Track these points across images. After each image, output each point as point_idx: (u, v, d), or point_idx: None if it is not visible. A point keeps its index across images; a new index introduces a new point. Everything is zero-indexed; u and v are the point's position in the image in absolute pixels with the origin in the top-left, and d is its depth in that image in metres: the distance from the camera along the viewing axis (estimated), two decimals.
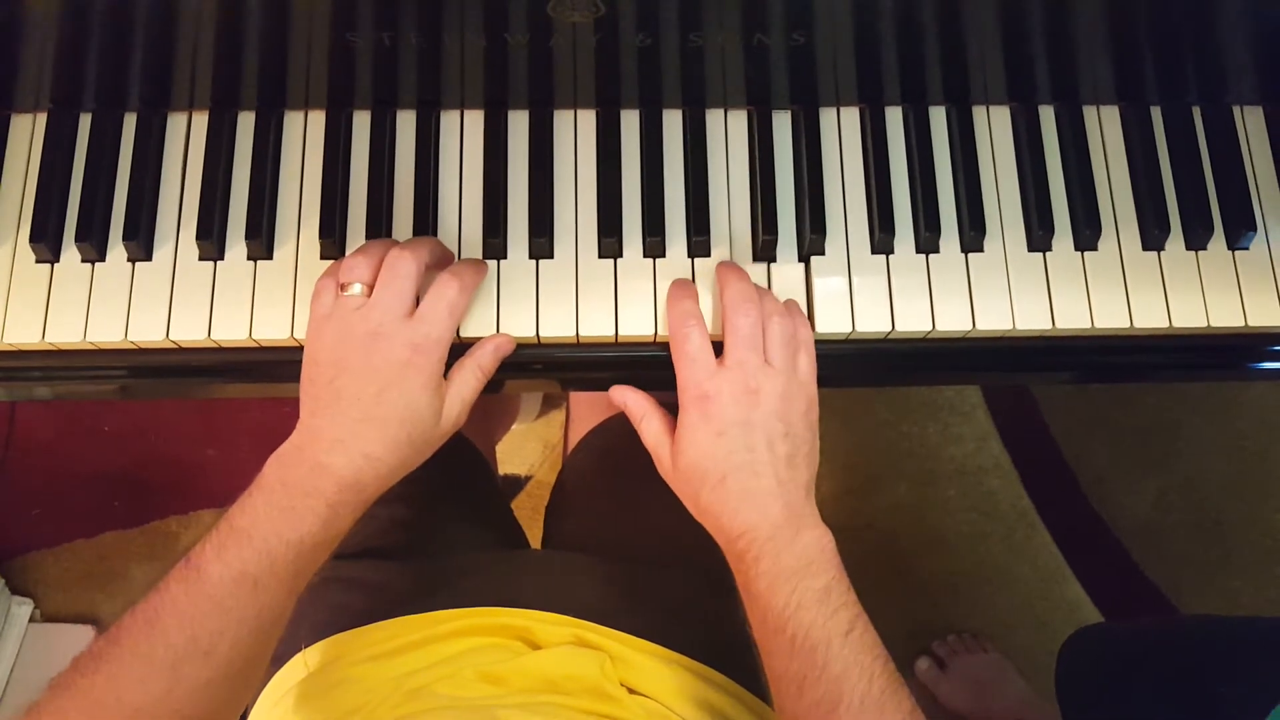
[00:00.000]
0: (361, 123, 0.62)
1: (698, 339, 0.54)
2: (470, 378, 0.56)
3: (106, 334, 0.58)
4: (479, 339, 0.58)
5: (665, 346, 0.57)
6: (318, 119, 0.62)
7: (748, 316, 0.54)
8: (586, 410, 0.86)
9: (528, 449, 1.37)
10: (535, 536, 0.89)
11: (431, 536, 0.75)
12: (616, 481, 0.80)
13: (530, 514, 1.33)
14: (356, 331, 0.52)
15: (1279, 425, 1.36)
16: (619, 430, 0.82)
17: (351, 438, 0.52)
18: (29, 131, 0.62)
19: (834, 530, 0.53)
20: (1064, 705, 0.85)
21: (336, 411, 0.52)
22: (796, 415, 0.54)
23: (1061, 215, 0.62)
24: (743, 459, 0.52)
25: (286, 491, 0.51)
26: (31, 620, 1.28)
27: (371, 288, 0.53)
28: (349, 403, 0.52)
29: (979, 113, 0.63)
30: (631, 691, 0.59)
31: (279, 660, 0.64)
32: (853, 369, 0.63)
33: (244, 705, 0.52)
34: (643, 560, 0.72)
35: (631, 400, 0.58)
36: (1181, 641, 0.82)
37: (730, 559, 0.53)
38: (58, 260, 0.60)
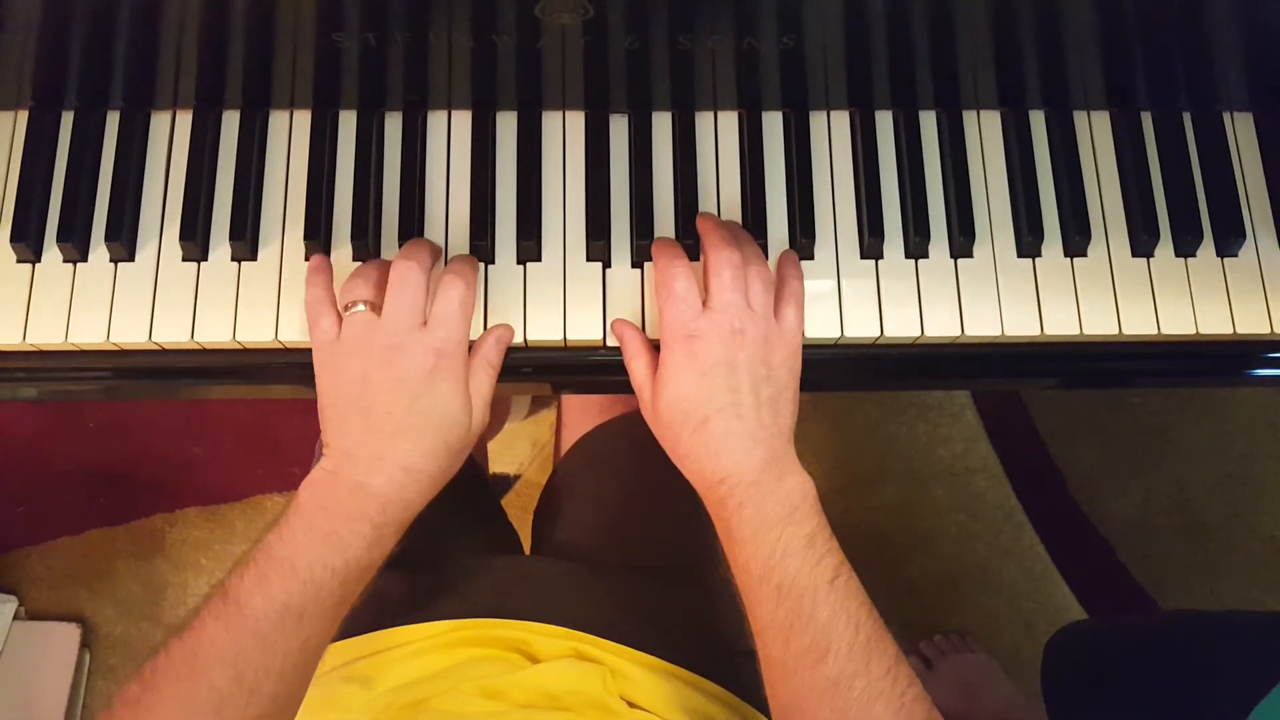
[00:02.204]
0: (347, 123, 0.61)
1: (685, 280, 0.53)
2: (483, 375, 0.55)
3: (88, 335, 0.58)
4: (475, 338, 0.57)
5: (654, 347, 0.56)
6: (303, 119, 0.61)
7: (731, 259, 0.53)
8: (578, 414, 0.85)
9: (517, 448, 1.37)
10: (524, 537, 0.89)
11: (427, 539, 0.74)
12: (609, 490, 0.80)
13: (519, 513, 1.32)
14: (375, 347, 0.51)
15: (1266, 428, 1.36)
16: (612, 437, 0.81)
17: (388, 454, 0.51)
18: (10, 129, 0.61)
19: None
20: (1050, 705, 0.85)
21: (368, 430, 0.51)
22: (778, 361, 0.53)
23: (1051, 221, 0.61)
24: (725, 400, 0.51)
25: (327, 516, 0.49)
26: (16, 618, 1.27)
27: (373, 305, 0.52)
28: (380, 419, 0.51)
29: (969, 117, 0.63)
30: (631, 705, 0.58)
31: None
32: (841, 373, 0.63)
33: None
34: (636, 570, 0.71)
35: (629, 337, 0.57)
36: (1163, 638, 0.83)
37: (710, 505, 0.53)
38: (39, 260, 0.59)
